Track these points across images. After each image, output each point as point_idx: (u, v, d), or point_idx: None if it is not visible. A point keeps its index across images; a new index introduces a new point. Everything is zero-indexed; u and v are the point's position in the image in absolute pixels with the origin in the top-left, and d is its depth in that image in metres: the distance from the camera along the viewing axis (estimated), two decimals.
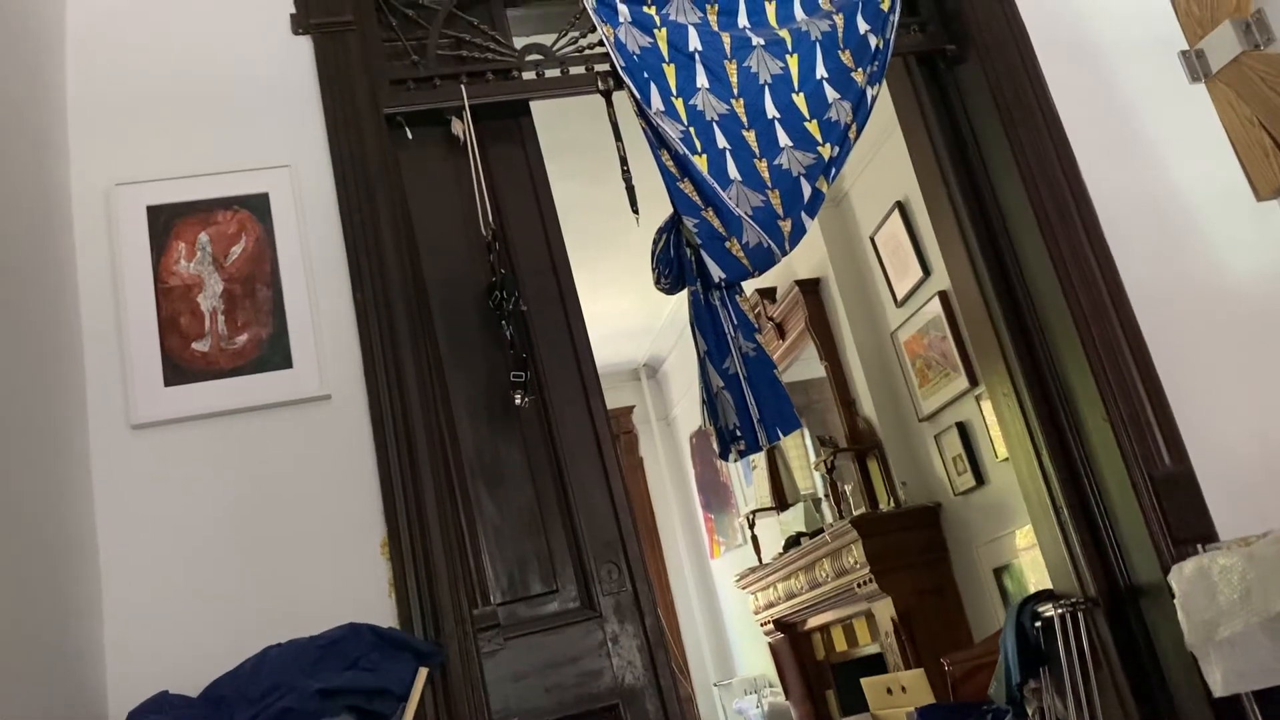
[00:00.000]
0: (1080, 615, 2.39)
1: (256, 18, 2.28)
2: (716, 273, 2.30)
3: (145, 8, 2.24)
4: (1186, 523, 2.24)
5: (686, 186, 2.35)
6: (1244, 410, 2.38)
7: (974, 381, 4.11)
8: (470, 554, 2.09)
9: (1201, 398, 2.37)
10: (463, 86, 2.38)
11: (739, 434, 2.28)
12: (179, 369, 1.97)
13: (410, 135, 2.38)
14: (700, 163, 2.35)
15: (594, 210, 4.01)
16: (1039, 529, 2.58)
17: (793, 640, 5.48)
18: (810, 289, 5.12)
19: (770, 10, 2.59)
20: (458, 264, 2.33)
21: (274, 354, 2.00)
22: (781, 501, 5.79)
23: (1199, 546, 2.19)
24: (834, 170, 2.46)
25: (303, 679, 1.65)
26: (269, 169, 2.14)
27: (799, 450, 5.76)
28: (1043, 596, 2.58)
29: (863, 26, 2.59)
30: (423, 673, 1.65)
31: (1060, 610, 2.42)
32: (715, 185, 2.33)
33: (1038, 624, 2.54)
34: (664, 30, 2.50)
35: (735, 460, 2.32)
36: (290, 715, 1.57)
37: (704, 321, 2.36)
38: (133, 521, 1.90)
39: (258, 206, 2.10)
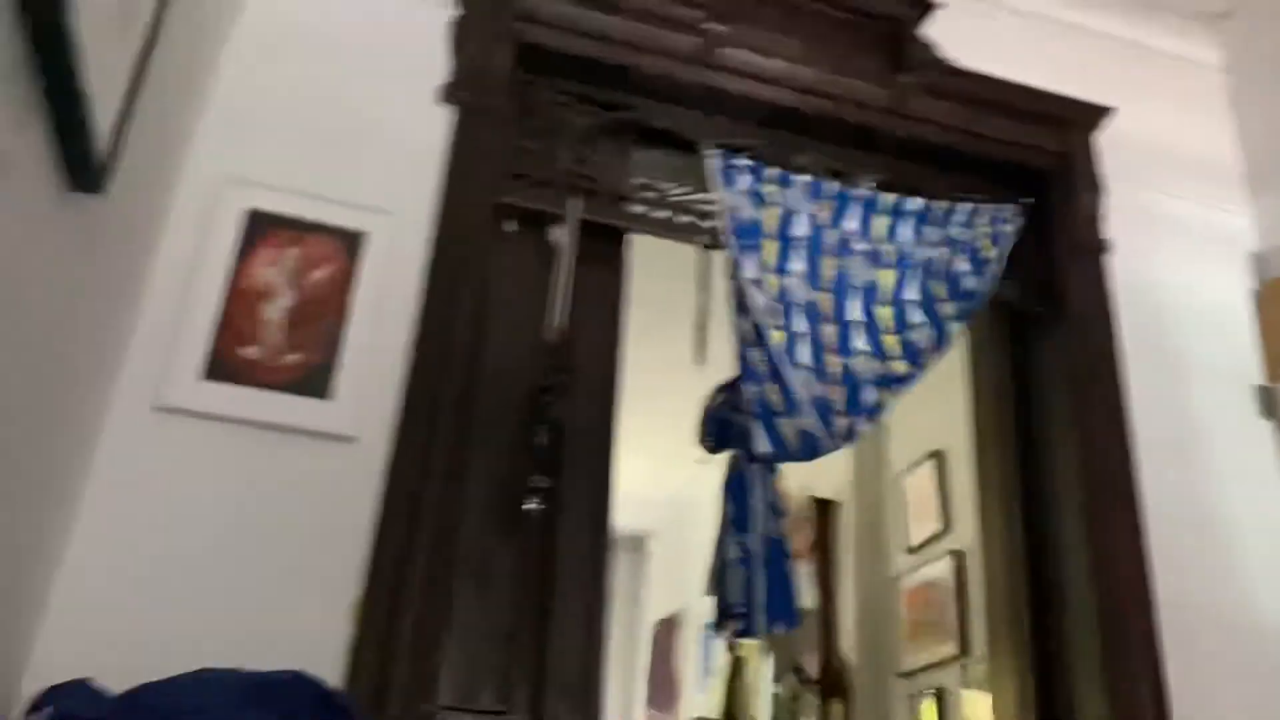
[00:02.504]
0: None
1: (410, 75, 2.35)
2: (763, 446, 2.27)
3: (313, 32, 2.34)
4: None
5: (756, 355, 2.35)
6: None
7: (964, 650, 3.97)
8: (434, 648, 1.99)
9: None
10: (577, 201, 2.44)
11: (739, 613, 2.20)
12: (221, 367, 1.95)
13: (512, 228, 2.42)
14: (776, 337, 2.37)
15: (632, 366, 4.01)
16: None
17: None
18: (824, 510, 5.05)
19: (880, 224, 2.66)
20: (513, 363, 2.32)
21: (318, 382, 1.97)
22: (732, 718, 5.53)
23: None
24: (899, 387, 2.45)
25: (230, 711, 1.54)
26: (374, 212, 2.17)
27: (757, 671, 5.54)
28: None
29: (962, 267, 2.64)
30: None
31: None
32: (785, 362, 2.33)
33: None
34: (775, 210, 2.57)
35: (727, 637, 2.23)
36: None
37: (736, 489, 2.32)
38: (121, 500, 1.84)
39: (352, 242, 2.12)
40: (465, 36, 2.43)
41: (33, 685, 1.61)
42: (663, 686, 6.98)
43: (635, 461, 5.98)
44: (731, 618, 2.20)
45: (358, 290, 2.08)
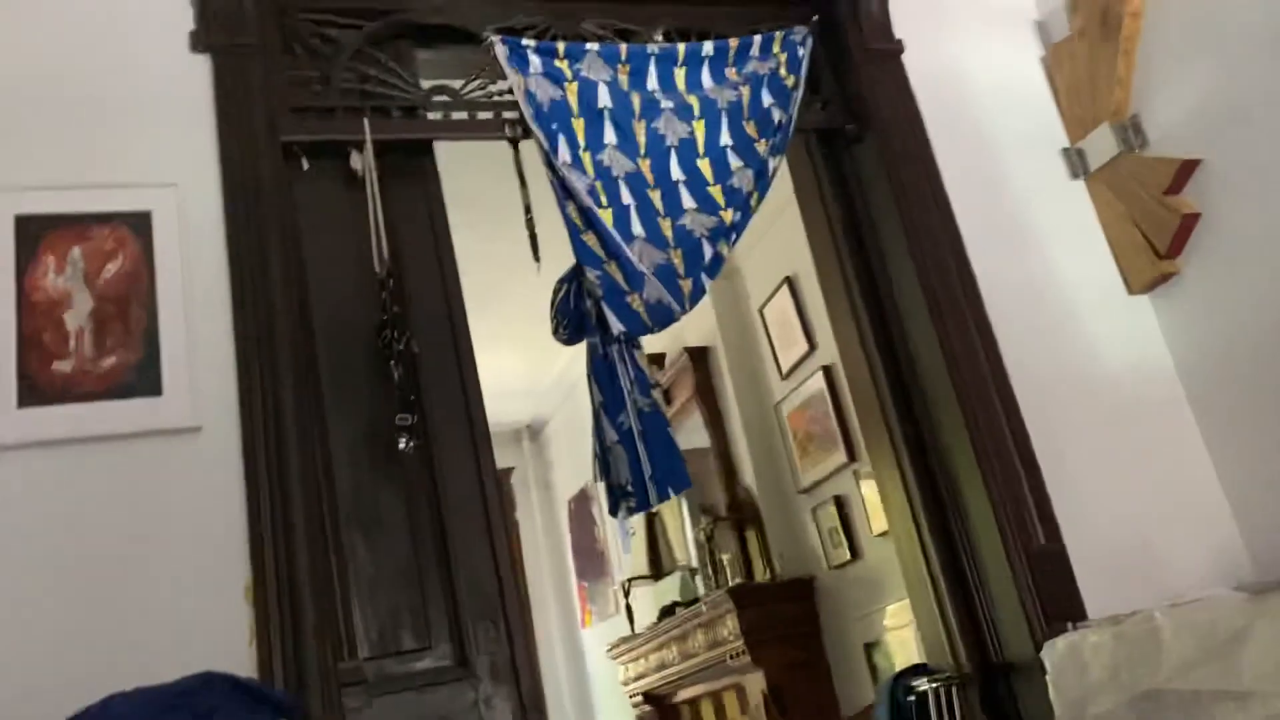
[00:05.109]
0: (954, 690, 2.41)
1: (153, 30, 2.18)
2: (616, 325, 2.28)
3: (31, 6, 2.12)
4: (1059, 601, 2.29)
5: (590, 239, 2.33)
6: (1114, 495, 2.47)
7: (852, 456, 4.18)
8: (340, 604, 1.98)
9: (1075, 481, 2.45)
10: (365, 120, 2.32)
11: (630, 490, 2.24)
12: (36, 390, 1.83)
13: (307, 165, 2.30)
14: (605, 216, 2.35)
15: (486, 264, 3.94)
16: (916, 602, 2.61)
17: (661, 714, 5.39)
18: (699, 357, 5.16)
19: (679, 76, 2.62)
20: (348, 301, 2.25)
21: (143, 380, 1.88)
22: (658, 570, 5.74)
23: (1070, 625, 2.23)
24: (735, 235, 2.48)
25: None
26: (154, 187, 2.03)
27: (677, 519, 5.74)
28: (917, 670, 2.60)
29: (767, 100, 2.65)
30: None
31: (934, 685, 2.44)
32: (619, 239, 2.32)
33: (911, 698, 2.54)
34: (574, 85, 2.51)
35: (625, 517, 2.28)
36: None
37: (601, 374, 2.34)
38: None
39: (138, 224, 1.99)
40: None
41: None
42: (590, 557, 7.16)
43: (512, 356, 5.97)
44: (624, 497, 2.25)
45: (159, 274, 1.96)
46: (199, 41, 2.20)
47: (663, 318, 2.33)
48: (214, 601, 1.81)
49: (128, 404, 1.86)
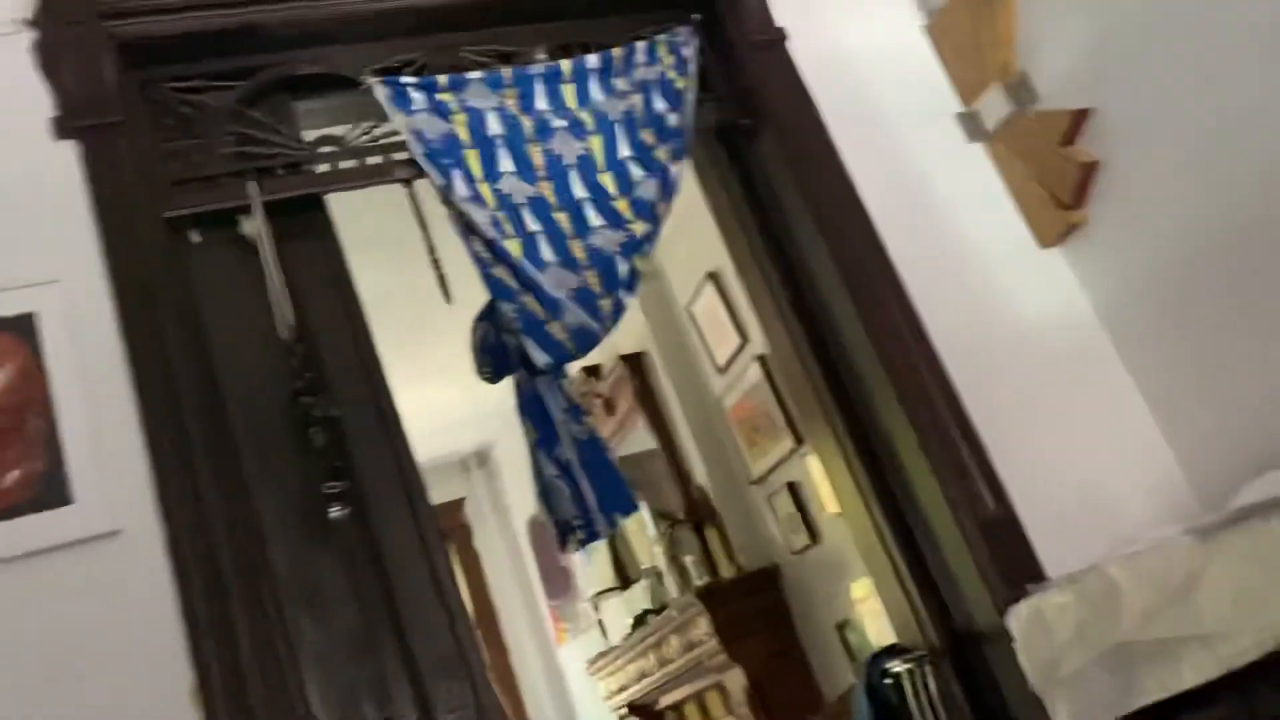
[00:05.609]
0: (927, 668, 2.41)
1: (10, 122, 2.08)
2: (540, 357, 2.24)
3: None
4: (1016, 565, 2.29)
5: (500, 272, 2.28)
6: (1054, 450, 2.48)
7: (799, 441, 4.18)
8: (294, 689, 1.91)
9: (1014, 441, 2.45)
10: (251, 183, 2.25)
11: (577, 524, 2.20)
12: None
13: (198, 239, 2.22)
14: (513, 247, 2.30)
15: (409, 299, 3.84)
16: (879, 583, 2.61)
17: None
18: (635, 364, 5.13)
19: (568, 93, 2.58)
20: (260, 373, 2.17)
21: (51, 491, 1.79)
22: (625, 580, 5.71)
23: (1029, 587, 2.24)
24: (648, 246, 2.45)
25: None
26: (35, 286, 1.94)
27: (637, 526, 5.70)
28: (890, 652, 2.59)
29: (660, 105, 2.62)
30: None
31: (907, 665, 2.43)
32: (531, 268, 2.27)
33: (887, 680, 2.54)
34: (462, 116, 2.45)
35: (575, 550, 2.24)
36: None
37: (532, 409, 2.29)
38: None
39: (23, 328, 1.89)
40: (55, 58, 2.14)
41: None
42: (556, 576, 7.09)
43: (448, 387, 5.85)
44: (571, 531, 2.21)
45: (53, 376, 1.87)
46: (61, 127, 2.11)
47: (586, 342, 2.29)
48: (159, 709, 1.73)
49: (38, 519, 1.77)
